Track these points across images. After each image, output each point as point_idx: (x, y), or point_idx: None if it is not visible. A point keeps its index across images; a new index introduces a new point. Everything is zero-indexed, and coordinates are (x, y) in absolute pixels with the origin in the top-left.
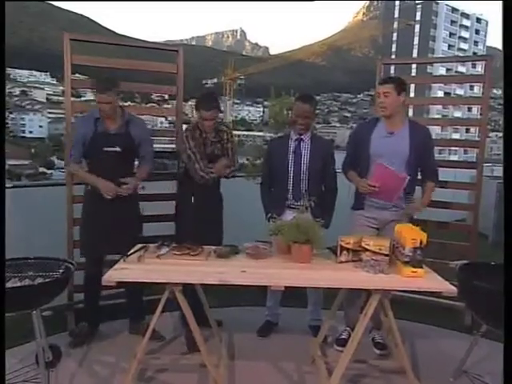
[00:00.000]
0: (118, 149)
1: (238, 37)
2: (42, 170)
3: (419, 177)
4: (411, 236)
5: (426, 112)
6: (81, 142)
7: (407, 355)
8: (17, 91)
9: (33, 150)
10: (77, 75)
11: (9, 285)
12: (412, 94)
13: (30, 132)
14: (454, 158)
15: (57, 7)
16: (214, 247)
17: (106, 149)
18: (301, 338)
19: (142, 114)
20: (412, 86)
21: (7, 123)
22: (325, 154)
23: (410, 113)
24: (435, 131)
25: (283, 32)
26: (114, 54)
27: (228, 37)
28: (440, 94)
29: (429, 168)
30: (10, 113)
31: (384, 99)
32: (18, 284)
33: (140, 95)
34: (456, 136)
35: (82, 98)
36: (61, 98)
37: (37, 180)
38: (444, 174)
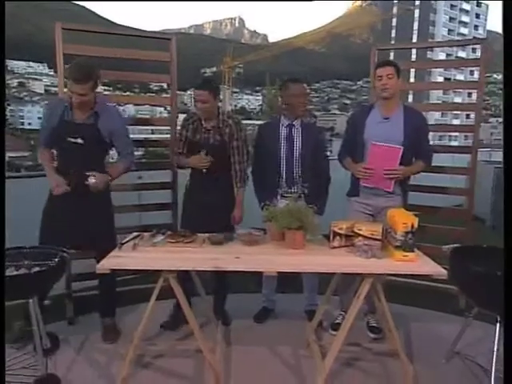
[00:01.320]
0: (80, 140)
1: (237, 25)
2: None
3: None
4: (402, 220)
5: (426, 97)
6: (47, 128)
7: (401, 338)
8: (15, 83)
9: (32, 142)
10: None
11: (5, 274)
12: (412, 80)
13: (29, 124)
14: (454, 143)
15: None
16: (208, 234)
17: (69, 139)
18: (297, 323)
19: (140, 104)
20: (412, 72)
21: (5, 115)
22: (317, 140)
23: (410, 98)
24: (434, 117)
25: (282, 19)
26: (113, 44)
27: (226, 25)
28: (440, 79)
29: (423, 151)
30: (8, 105)
31: (387, 80)
32: (15, 273)
33: (139, 85)
34: (456, 122)
35: None
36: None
37: (37, 171)
38: (442, 158)
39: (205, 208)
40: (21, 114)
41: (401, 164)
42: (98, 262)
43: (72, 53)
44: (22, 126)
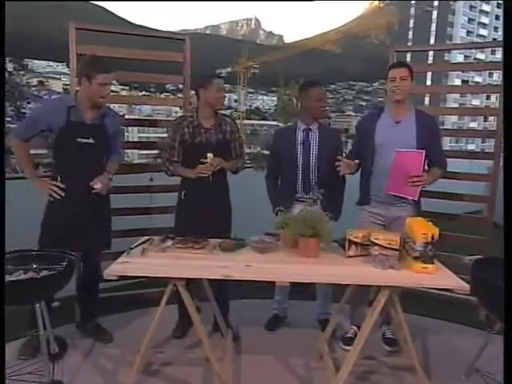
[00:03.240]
0: (91, 140)
1: (253, 26)
2: None
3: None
4: (422, 230)
5: (443, 100)
6: (38, 126)
7: (418, 351)
8: (34, 81)
9: (49, 140)
10: None
11: (13, 277)
12: (428, 82)
13: None
14: (471, 147)
15: None
16: (219, 240)
17: (79, 140)
18: (309, 332)
19: (155, 104)
20: (428, 74)
21: (24, 113)
22: (334, 144)
23: (426, 101)
24: (451, 120)
25: (298, 20)
26: (131, 44)
27: (242, 26)
28: (457, 82)
29: (436, 156)
30: (28, 103)
31: (401, 82)
32: (23, 277)
33: (155, 85)
34: (473, 125)
35: None
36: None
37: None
38: (459, 164)
39: (204, 211)
40: None
41: None
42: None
43: (86, 53)
44: None
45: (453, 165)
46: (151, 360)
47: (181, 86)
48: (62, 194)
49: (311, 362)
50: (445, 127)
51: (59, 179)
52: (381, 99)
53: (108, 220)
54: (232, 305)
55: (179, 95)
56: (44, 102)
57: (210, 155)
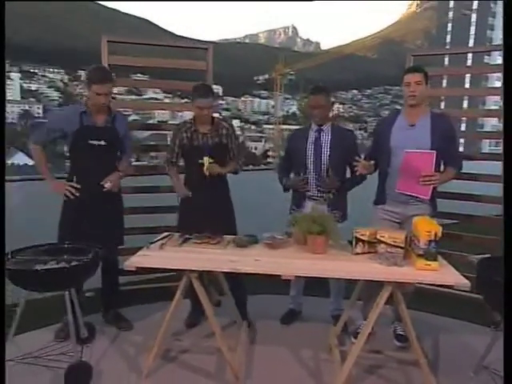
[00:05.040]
0: (103, 142)
1: (290, 33)
2: None
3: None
4: (426, 228)
5: (482, 103)
6: (53, 133)
7: (429, 348)
8: (86, 92)
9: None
10: (138, 75)
11: (47, 266)
12: (467, 85)
13: None
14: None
15: (123, 13)
16: (233, 236)
17: (91, 142)
18: (322, 327)
19: (182, 111)
20: (467, 77)
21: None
22: (347, 145)
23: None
24: (491, 123)
25: (335, 27)
26: (171, 54)
27: (280, 34)
28: (498, 84)
29: (452, 157)
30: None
31: (415, 87)
32: (55, 266)
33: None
34: None
35: (144, 96)
36: (121, 97)
37: None
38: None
39: (205, 212)
40: None
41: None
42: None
43: (116, 63)
44: None
45: (492, 167)
46: (169, 347)
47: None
48: (77, 194)
49: (321, 354)
50: (484, 130)
51: (74, 180)
52: None
53: (120, 217)
54: (250, 299)
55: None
56: (58, 110)
57: (205, 158)
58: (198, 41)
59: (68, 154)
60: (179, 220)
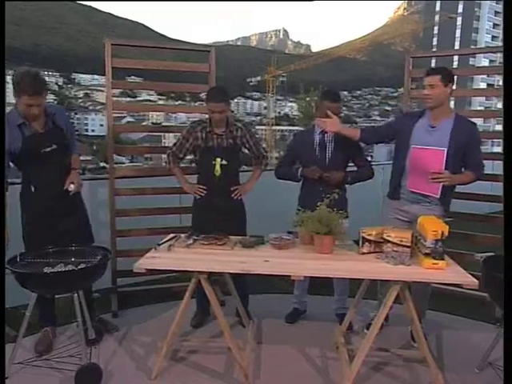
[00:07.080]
0: (54, 146)
1: (281, 36)
2: (102, 164)
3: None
4: (432, 228)
5: (468, 104)
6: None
7: (434, 346)
8: (81, 94)
9: (94, 147)
10: (132, 77)
11: (55, 270)
12: (454, 86)
13: (93, 130)
14: (497, 149)
15: (116, 16)
16: (240, 237)
17: (43, 150)
18: (327, 326)
19: (190, 112)
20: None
21: (73, 123)
22: (350, 144)
23: (452, 104)
24: (477, 123)
25: (325, 30)
26: (169, 57)
27: (271, 37)
28: (483, 85)
29: (473, 162)
30: (76, 113)
31: (429, 90)
32: (63, 269)
33: (190, 95)
34: (499, 128)
35: (138, 98)
36: (119, 99)
37: (99, 174)
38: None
39: (217, 212)
40: (85, 121)
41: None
42: None
43: (120, 66)
44: (86, 133)
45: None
46: (178, 347)
47: None
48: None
49: (327, 352)
50: None
51: (33, 190)
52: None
53: (85, 214)
54: (255, 298)
55: None
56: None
57: (218, 159)
58: (195, 44)
59: (16, 165)
60: (193, 219)
